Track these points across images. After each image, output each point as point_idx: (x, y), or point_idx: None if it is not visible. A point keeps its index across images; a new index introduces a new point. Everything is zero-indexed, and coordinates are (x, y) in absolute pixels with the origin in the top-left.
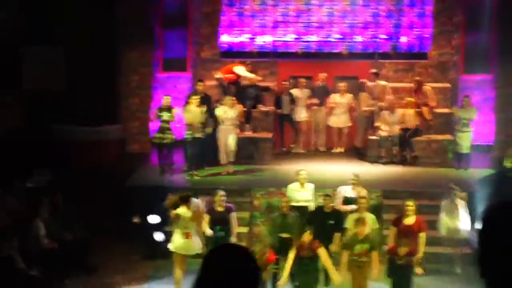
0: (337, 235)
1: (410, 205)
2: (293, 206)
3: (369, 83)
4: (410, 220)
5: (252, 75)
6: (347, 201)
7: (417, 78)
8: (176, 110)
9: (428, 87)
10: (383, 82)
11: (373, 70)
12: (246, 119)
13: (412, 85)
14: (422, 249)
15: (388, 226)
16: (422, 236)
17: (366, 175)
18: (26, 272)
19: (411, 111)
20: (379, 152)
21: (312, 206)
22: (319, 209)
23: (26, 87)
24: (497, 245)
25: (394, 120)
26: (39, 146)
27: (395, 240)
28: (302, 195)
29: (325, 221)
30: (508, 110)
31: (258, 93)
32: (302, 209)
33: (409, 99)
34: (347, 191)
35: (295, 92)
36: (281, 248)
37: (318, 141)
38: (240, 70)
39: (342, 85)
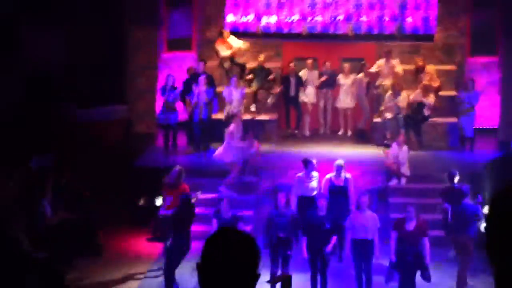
0: None
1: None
2: (300, 197)
3: (379, 61)
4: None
5: (227, 52)
6: (334, 189)
7: (420, 58)
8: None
9: (432, 66)
10: (394, 61)
11: (388, 50)
12: (253, 100)
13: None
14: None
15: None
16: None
17: (372, 158)
18: (32, 253)
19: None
20: (385, 135)
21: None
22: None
23: (28, 68)
24: (505, 231)
25: (398, 102)
26: (43, 127)
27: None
28: (309, 184)
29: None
30: None
31: (266, 73)
32: (308, 199)
33: (426, 83)
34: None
35: (303, 74)
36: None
37: (325, 123)
38: (219, 48)
39: (346, 65)
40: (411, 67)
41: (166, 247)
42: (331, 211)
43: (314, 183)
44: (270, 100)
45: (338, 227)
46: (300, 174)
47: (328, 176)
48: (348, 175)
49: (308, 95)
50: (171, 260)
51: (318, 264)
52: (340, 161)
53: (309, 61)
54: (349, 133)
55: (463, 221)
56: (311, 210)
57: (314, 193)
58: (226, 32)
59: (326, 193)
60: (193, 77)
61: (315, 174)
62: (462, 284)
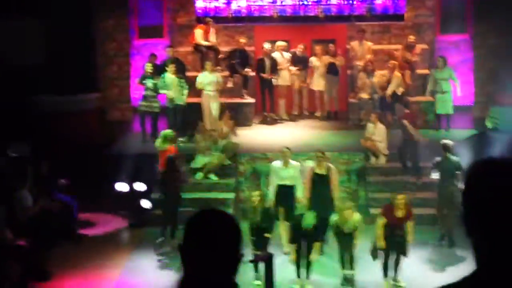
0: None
1: (400, 198)
2: (279, 185)
3: (353, 43)
4: (401, 213)
5: (205, 42)
6: (316, 177)
7: (412, 36)
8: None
9: (420, 46)
10: (369, 43)
11: (361, 29)
12: (243, 84)
13: (390, 46)
14: (411, 237)
15: (372, 188)
16: (410, 225)
17: (349, 138)
18: (13, 242)
19: (398, 74)
20: (360, 115)
21: (298, 184)
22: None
23: (1, 58)
24: (480, 202)
25: (372, 82)
26: (18, 116)
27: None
28: (286, 173)
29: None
30: (486, 70)
31: (243, 56)
32: (287, 188)
33: (393, 62)
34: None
35: (276, 56)
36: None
37: (301, 105)
38: (198, 34)
39: (318, 48)
40: (382, 47)
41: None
42: (315, 203)
43: (292, 172)
44: (230, 84)
45: (323, 221)
46: (276, 162)
47: (310, 165)
48: (331, 165)
49: (281, 78)
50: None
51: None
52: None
53: (280, 44)
54: (325, 114)
55: (449, 173)
56: (291, 202)
57: (293, 182)
58: (210, 21)
59: (309, 183)
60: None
61: (293, 163)
62: (450, 243)
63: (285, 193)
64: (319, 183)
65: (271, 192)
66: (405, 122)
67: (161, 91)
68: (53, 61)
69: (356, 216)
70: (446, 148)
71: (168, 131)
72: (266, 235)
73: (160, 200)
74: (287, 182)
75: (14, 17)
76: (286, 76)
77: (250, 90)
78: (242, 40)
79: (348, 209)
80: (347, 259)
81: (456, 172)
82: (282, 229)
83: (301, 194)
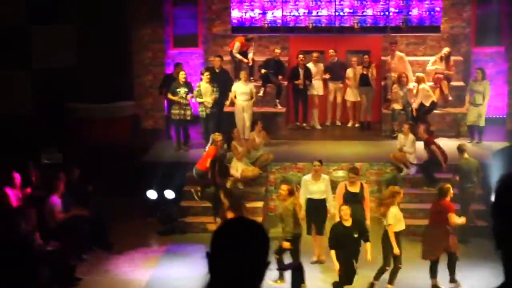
0: None
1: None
2: (309, 199)
3: (390, 56)
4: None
5: (239, 56)
6: (348, 196)
7: (448, 49)
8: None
9: (455, 58)
10: (401, 54)
11: (394, 40)
12: (277, 94)
13: (424, 58)
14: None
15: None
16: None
17: (381, 149)
18: (43, 247)
19: (423, 86)
20: (393, 126)
21: (329, 197)
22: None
23: (35, 67)
24: (510, 216)
25: (406, 93)
26: (52, 123)
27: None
28: (316, 187)
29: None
30: None
31: (278, 66)
32: (317, 202)
33: (418, 75)
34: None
35: (310, 66)
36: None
37: (334, 115)
38: (236, 46)
39: (353, 59)
40: (417, 58)
41: None
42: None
43: (322, 186)
44: (261, 93)
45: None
46: (307, 176)
47: (342, 182)
48: (365, 184)
49: (315, 88)
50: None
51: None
52: None
53: (315, 54)
54: (357, 125)
55: (468, 175)
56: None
57: (323, 196)
58: (253, 39)
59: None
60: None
61: (324, 176)
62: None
63: (316, 207)
64: (351, 201)
65: (302, 205)
66: (434, 148)
67: (198, 100)
68: (88, 68)
69: None
70: (461, 149)
71: (217, 134)
72: (285, 244)
73: (208, 193)
74: (317, 196)
75: (52, 24)
76: (319, 86)
77: (282, 100)
78: (277, 50)
79: None
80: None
81: (477, 172)
82: (315, 242)
83: (333, 208)
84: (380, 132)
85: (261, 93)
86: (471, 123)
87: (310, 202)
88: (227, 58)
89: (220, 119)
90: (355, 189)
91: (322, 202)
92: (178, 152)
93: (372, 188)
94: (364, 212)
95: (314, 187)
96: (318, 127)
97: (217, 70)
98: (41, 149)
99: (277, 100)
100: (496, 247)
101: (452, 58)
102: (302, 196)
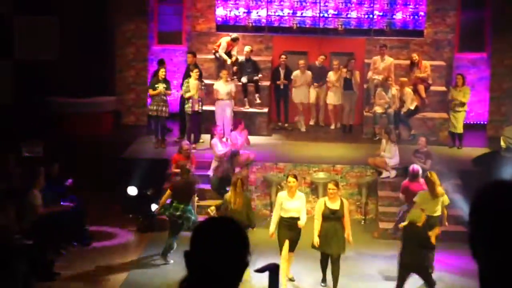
0: None
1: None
2: (283, 217)
3: (375, 58)
4: (334, 204)
5: (225, 56)
6: (327, 214)
7: (416, 53)
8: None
9: (427, 62)
10: (391, 59)
11: (383, 44)
12: (243, 93)
13: (407, 61)
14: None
15: (382, 202)
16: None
17: (362, 152)
18: (22, 241)
19: (408, 90)
20: (374, 129)
21: (303, 218)
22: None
23: (17, 57)
24: (488, 224)
25: (389, 97)
26: (32, 116)
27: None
28: (292, 204)
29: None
30: (502, 89)
31: (255, 67)
32: (292, 220)
33: (402, 79)
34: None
35: (296, 75)
36: None
37: (317, 117)
38: (222, 45)
39: (335, 63)
40: (400, 62)
41: None
42: (325, 239)
43: (298, 204)
44: (258, 100)
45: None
46: (283, 193)
47: (321, 199)
48: (344, 200)
49: (300, 96)
50: None
51: None
52: None
53: (301, 62)
54: (338, 126)
55: None
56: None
57: (298, 215)
58: (238, 39)
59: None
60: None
61: (300, 194)
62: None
63: (291, 225)
64: (332, 219)
65: (274, 221)
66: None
67: (186, 95)
68: (70, 62)
69: None
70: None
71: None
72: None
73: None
74: (292, 214)
75: (34, 17)
76: (305, 94)
77: (264, 99)
78: (247, 48)
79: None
80: None
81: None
82: (284, 260)
83: (303, 223)
84: (361, 135)
85: (258, 101)
86: (453, 130)
87: (285, 220)
88: (206, 56)
89: (202, 116)
90: (334, 205)
91: (297, 220)
92: (157, 149)
93: (353, 190)
94: (343, 230)
95: (289, 204)
96: (304, 129)
97: (190, 67)
98: (22, 141)
99: (257, 95)
100: (473, 255)
101: (427, 62)
102: (276, 214)
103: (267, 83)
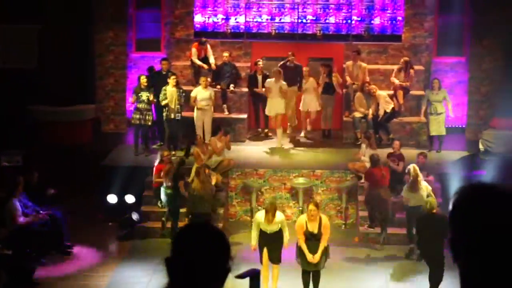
0: None
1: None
2: (263, 232)
3: (348, 63)
4: (313, 225)
5: (199, 62)
6: (307, 236)
7: (406, 58)
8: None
9: (413, 70)
10: (363, 64)
11: (356, 49)
12: (222, 99)
13: (386, 66)
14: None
15: (362, 207)
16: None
17: (342, 156)
18: (1, 250)
19: (381, 93)
20: (356, 134)
21: (286, 233)
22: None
23: None
24: (467, 228)
25: (368, 102)
26: (11, 125)
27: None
28: (269, 228)
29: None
30: (481, 93)
31: (233, 72)
32: (271, 235)
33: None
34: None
35: (270, 84)
36: None
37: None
38: (193, 53)
39: (305, 69)
40: (379, 67)
41: None
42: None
43: (276, 227)
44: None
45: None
46: (260, 214)
47: (302, 218)
48: (324, 218)
49: (275, 107)
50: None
51: None
52: None
53: (276, 71)
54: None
55: None
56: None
57: (278, 229)
58: (206, 42)
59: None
60: (158, 76)
61: (278, 217)
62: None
63: (271, 238)
64: (312, 240)
65: (254, 237)
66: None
67: (163, 103)
68: (49, 71)
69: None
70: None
71: (165, 151)
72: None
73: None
74: (271, 231)
75: (13, 25)
76: (279, 105)
77: (243, 106)
78: (225, 54)
79: None
80: None
81: None
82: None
83: (287, 240)
84: (341, 140)
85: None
86: (435, 133)
87: (264, 235)
88: (184, 63)
89: (183, 123)
90: (314, 228)
91: (277, 233)
92: (138, 156)
93: (333, 195)
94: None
95: (267, 227)
96: (286, 146)
97: (163, 73)
98: (1, 151)
99: (224, 106)
100: (454, 259)
101: (412, 70)
102: (254, 232)
103: (246, 89)
